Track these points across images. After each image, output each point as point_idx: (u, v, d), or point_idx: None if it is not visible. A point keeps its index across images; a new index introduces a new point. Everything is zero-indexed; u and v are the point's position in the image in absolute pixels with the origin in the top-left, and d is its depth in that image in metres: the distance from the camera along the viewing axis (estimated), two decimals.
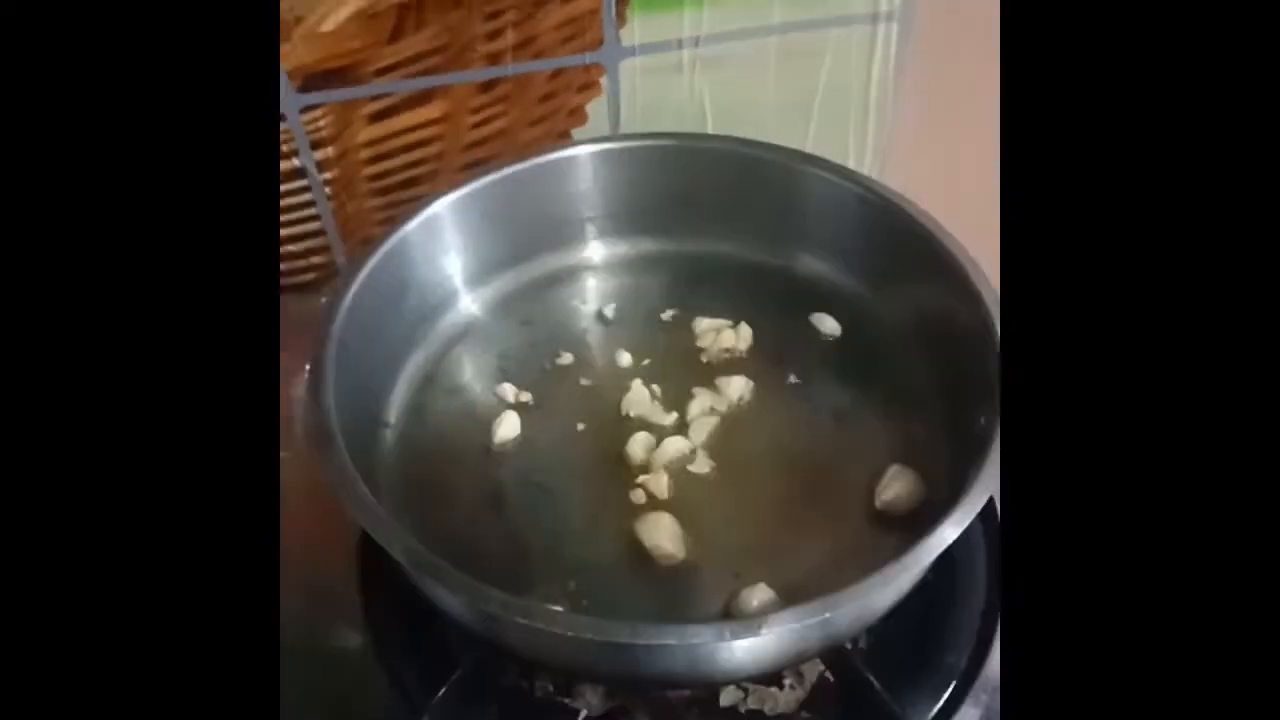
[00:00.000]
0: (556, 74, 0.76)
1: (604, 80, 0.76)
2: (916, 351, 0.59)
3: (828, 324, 0.62)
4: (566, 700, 0.51)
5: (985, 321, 0.51)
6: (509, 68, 0.72)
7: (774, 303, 0.63)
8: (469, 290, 0.63)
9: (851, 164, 0.78)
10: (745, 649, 0.41)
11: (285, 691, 0.49)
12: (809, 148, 0.63)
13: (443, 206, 0.59)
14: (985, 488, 0.44)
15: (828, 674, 0.51)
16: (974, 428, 0.49)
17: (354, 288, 0.53)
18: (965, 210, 0.62)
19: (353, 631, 0.53)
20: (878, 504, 0.52)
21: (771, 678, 0.51)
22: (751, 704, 0.51)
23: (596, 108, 0.79)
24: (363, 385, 0.55)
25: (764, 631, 0.39)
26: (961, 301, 0.53)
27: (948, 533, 0.43)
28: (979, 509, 0.44)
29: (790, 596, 0.48)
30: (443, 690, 0.47)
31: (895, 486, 0.52)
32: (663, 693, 0.51)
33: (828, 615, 0.40)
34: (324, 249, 0.80)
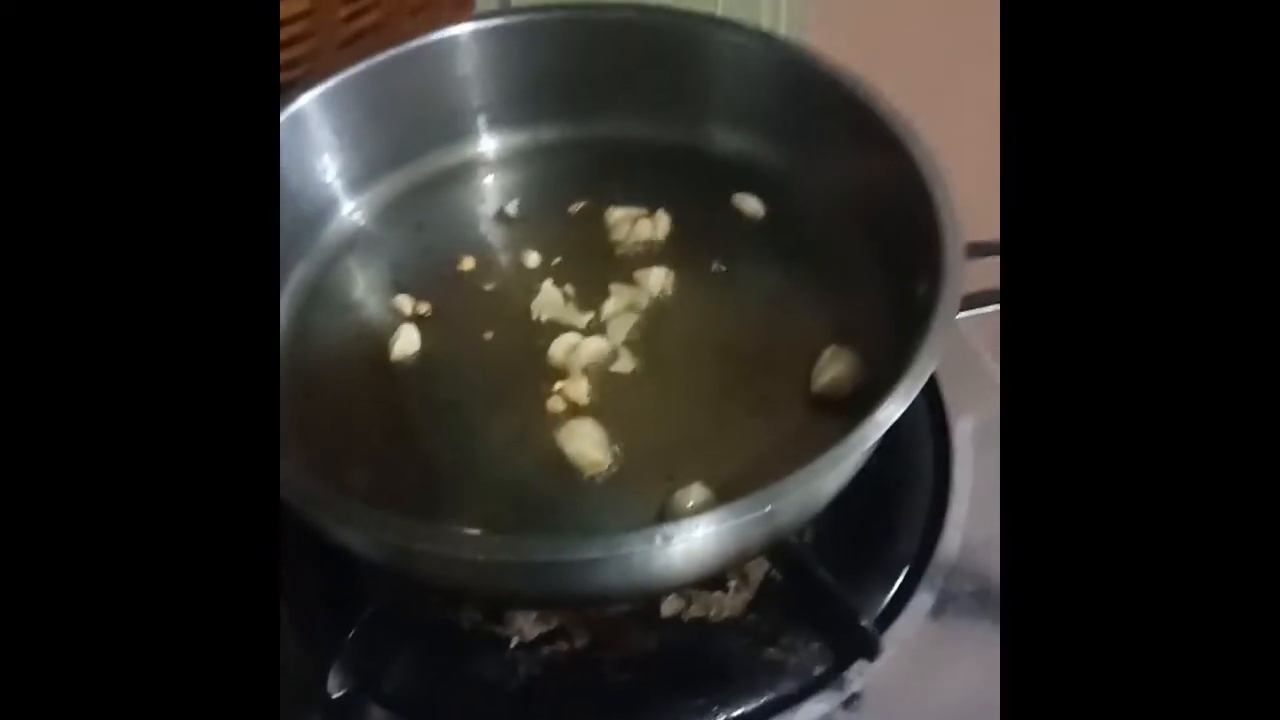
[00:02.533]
0: None
1: None
2: (848, 226, 0.55)
3: (750, 204, 0.58)
4: (496, 629, 0.47)
5: (922, 184, 0.47)
6: None
7: (691, 186, 0.58)
8: (352, 195, 0.57)
9: (766, 23, 0.73)
10: (682, 553, 0.38)
11: None
12: (719, 10, 0.57)
13: (309, 101, 0.53)
14: (928, 362, 0.41)
15: (774, 572, 0.48)
16: (914, 299, 0.46)
17: None
18: (893, 71, 0.57)
19: None
20: (815, 389, 0.49)
21: (714, 581, 0.48)
22: (695, 611, 0.48)
23: None
24: None
25: (700, 532, 0.35)
26: (895, 166, 0.49)
27: (890, 411, 0.40)
28: (922, 384, 0.40)
29: (728, 494, 0.44)
30: (353, 631, 0.43)
31: (833, 368, 0.49)
32: (599, 609, 0.47)
33: (768, 509, 0.36)
34: None
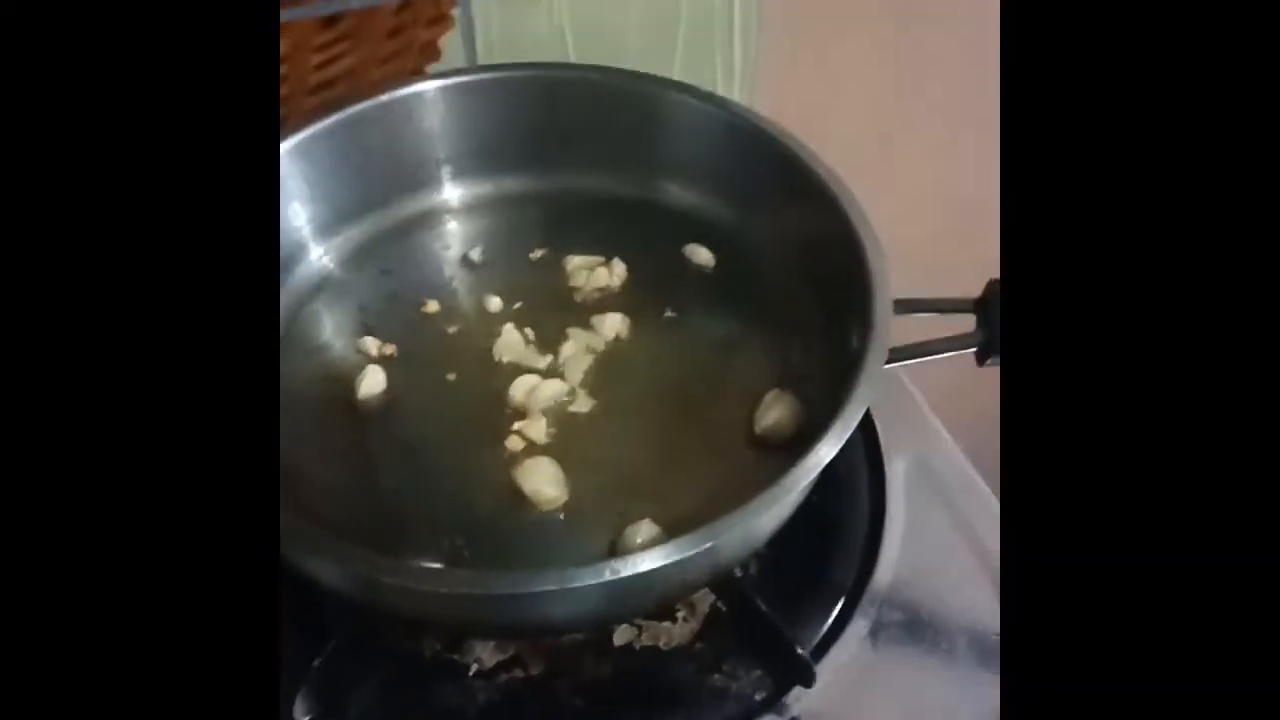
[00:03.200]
0: (403, 7, 0.72)
1: (455, 12, 0.72)
2: (792, 277, 0.58)
3: (701, 255, 0.61)
4: (455, 657, 0.49)
5: (856, 243, 0.51)
6: (351, 0, 0.67)
7: (646, 236, 0.61)
8: (320, 241, 0.59)
9: (719, 88, 0.77)
10: (631, 586, 0.40)
11: None
12: (675, 74, 0.61)
13: (281, 153, 0.55)
14: (860, 404, 0.44)
15: (719, 603, 0.51)
16: (849, 347, 0.49)
17: None
18: (837, 130, 0.61)
19: None
20: (758, 430, 0.52)
21: (663, 612, 0.51)
22: (645, 640, 0.50)
23: (451, 43, 0.75)
24: None
25: (646, 566, 0.38)
26: (832, 224, 0.53)
27: (823, 452, 0.43)
28: (852, 429, 0.44)
29: (676, 530, 0.47)
30: (318, 660, 0.45)
31: (774, 412, 0.52)
32: (555, 638, 0.49)
33: (710, 544, 0.39)
34: None
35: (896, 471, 0.57)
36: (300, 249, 0.58)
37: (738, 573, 0.50)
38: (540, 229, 0.62)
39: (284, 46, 0.70)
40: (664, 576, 0.40)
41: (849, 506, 0.55)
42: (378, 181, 0.60)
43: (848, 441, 0.48)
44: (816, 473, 0.43)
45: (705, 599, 0.51)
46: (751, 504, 0.41)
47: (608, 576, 0.38)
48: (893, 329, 0.47)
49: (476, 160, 0.62)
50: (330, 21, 0.70)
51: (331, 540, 0.40)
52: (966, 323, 0.50)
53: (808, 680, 0.47)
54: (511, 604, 0.40)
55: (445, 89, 0.60)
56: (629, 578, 0.38)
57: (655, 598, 0.44)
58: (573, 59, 0.72)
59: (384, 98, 0.58)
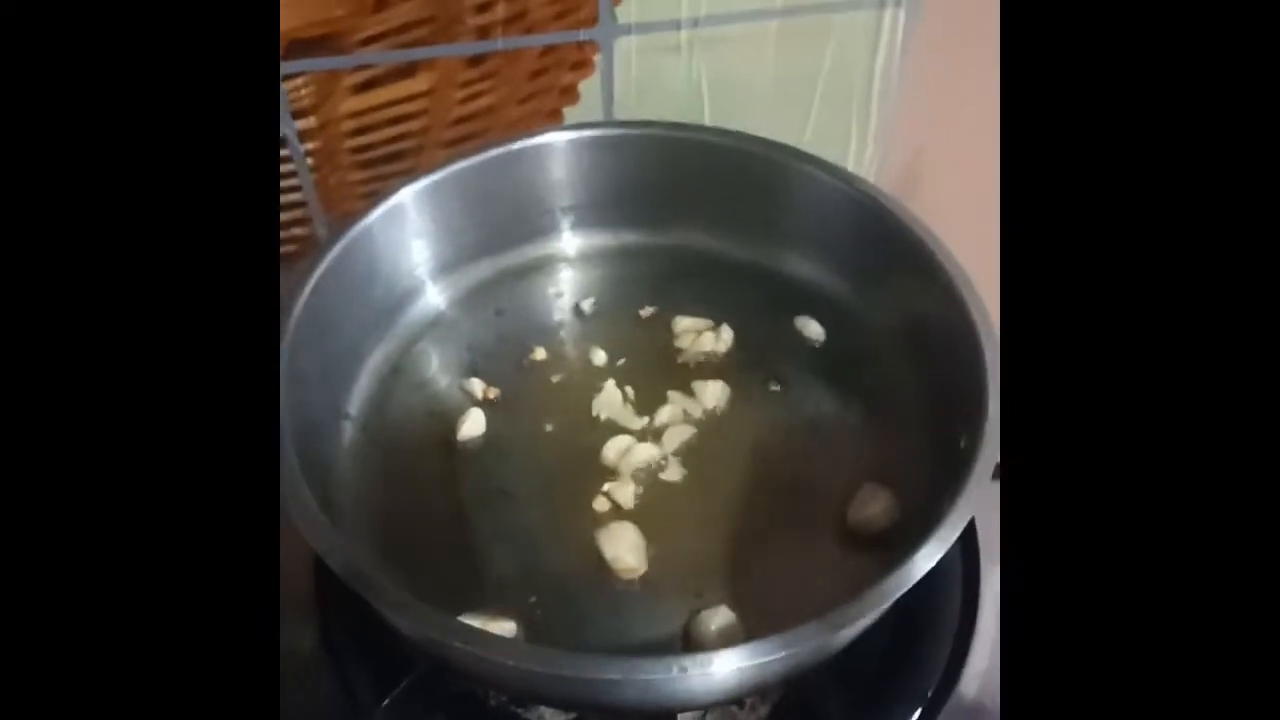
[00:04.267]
0: (548, 50, 0.73)
1: (598, 58, 0.73)
2: (902, 361, 0.56)
3: (812, 328, 0.60)
4: (521, 711, 0.49)
5: (975, 341, 0.49)
6: (499, 42, 0.69)
7: (757, 303, 0.61)
8: (439, 279, 0.61)
9: (852, 151, 0.76)
10: (700, 683, 0.40)
11: None
12: (808, 135, 0.60)
13: (409, 194, 0.57)
14: (964, 513, 0.42)
15: (791, 691, 0.49)
16: (957, 446, 0.47)
17: (315, 276, 0.51)
18: (968, 201, 0.59)
19: (305, 629, 0.51)
20: (850, 522, 0.51)
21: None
22: None
23: (589, 86, 0.76)
24: (324, 374, 0.53)
25: (717, 667, 0.37)
26: (949, 311, 0.51)
27: (921, 564, 0.41)
28: (955, 538, 0.42)
29: (753, 619, 0.46)
30: (391, 696, 0.46)
31: (870, 506, 0.50)
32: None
33: (786, 652, 0.38)
34: (304, 220, 0.78)
35: (992, 580, 0.54)
36: (420, 285, 0.60)
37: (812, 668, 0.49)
38: (653, 286, 0.62)
39: (429, 82, 0.73)
40: (736, 678, 0.40)
41: (938, 612, 0.53)
42: (500, 225, 0.61)
43: None
44: (912, 583, 0.41)
45: (778, 689, 0.50)
46: (837, 612, 0.39)
47: (675, 673, 0.37)
48: None
49: (598, 211, 0.63)
50: (476, 60, 0.72)
51: (404, 595, 0.40)
52: None
53: None
54: (576, 685, 0.39)
55: (575, 141, 0.60)
56: (698, 675, 0.38)
57: (723, 695, 0.43)
58: (707, 111, 0.72)
59: (516, 145, 0.59)
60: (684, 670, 0.37)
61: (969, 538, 0.54)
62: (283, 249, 0.79)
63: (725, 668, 0.38)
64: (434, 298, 0.61)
